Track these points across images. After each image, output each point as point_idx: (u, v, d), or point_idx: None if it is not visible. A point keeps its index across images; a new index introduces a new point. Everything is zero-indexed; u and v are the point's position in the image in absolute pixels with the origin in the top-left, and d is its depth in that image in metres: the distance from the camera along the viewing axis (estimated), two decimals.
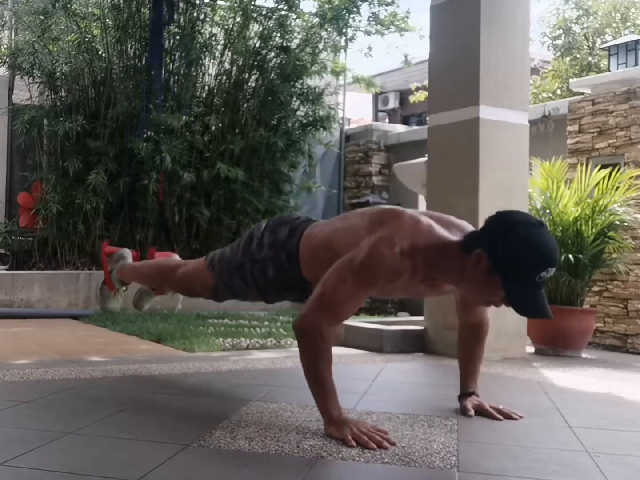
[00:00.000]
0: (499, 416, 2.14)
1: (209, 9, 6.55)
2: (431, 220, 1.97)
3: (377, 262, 1.87)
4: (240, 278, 2.31)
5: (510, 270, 1.76)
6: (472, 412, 2.16)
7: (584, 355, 4.16)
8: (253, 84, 6.71)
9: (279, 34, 6.68)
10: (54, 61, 6.33)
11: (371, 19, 6.93)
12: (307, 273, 2.16)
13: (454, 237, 1.93)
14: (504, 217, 1.86)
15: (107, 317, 4.81)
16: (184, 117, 6.06)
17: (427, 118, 3.90)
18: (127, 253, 3.10)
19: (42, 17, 6.20)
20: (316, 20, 6.83)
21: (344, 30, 6.91)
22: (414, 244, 1.88)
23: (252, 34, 6.68)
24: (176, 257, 3.14)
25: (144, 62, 6.31)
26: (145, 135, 5.86)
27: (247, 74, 6.67)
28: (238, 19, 6.55)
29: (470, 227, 2.02)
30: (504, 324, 3.51)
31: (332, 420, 1.87)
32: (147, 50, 6.14)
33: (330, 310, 1.90)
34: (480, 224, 1.90)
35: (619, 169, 4.58)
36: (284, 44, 6.69)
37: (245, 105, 6.63)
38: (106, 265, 3.12)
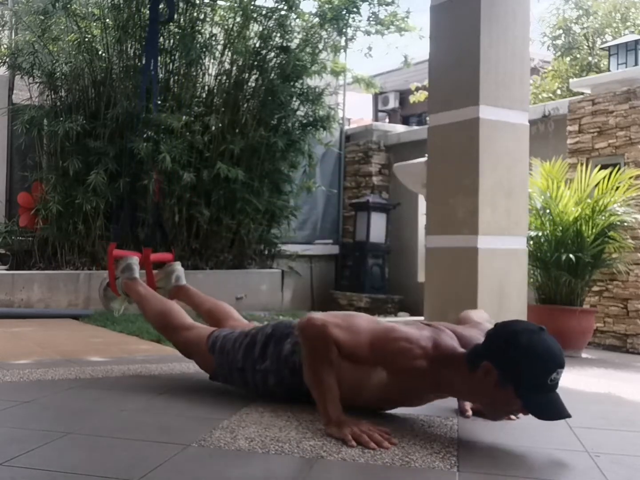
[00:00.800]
0: None
1: (209, 9, 6.53)
2: (449, 331, 2.01)
3: (399, 336, 1.94)
4: (240, 378, 2.35)
5: (521, 379, 1.75)
6: (470, 412, 2.17)
7: (584, 355, 4.16)
8: (253, 84, 6.70)
9: (279, 34, 6.67)
10: (54, 61, 6.32)
11: (371, 19, 6.92)
12: None
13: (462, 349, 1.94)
14: (504, 328, 1.86)
15: (107, 317, 4.80)
16: (184, 117, 6.06)
17: (427, 118, 3.90)
18: (135, 263, 3.04)
19: (42, 17, 6.19)
20: (316, 20, 6.83)
21: (344, 30, 6.90)
22: (435, 349, 1.92)
23: (252, 34, 6.66)
24: (179, 267, 3.13)
25: (143, 61, 6.29)
26: (145, 135, 5.85)
27: (247, 74, 6.66)
28: (238, 19, 6.54)
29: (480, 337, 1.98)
30: None
31: (332, 420, 1.88)
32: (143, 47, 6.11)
33: (339, 323, 1.96)
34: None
35: (619, 169, 4.58)
36: (284, 44, 6.69)
37: (245, 105, 6.62)
38: (112, 270, 3.05)
